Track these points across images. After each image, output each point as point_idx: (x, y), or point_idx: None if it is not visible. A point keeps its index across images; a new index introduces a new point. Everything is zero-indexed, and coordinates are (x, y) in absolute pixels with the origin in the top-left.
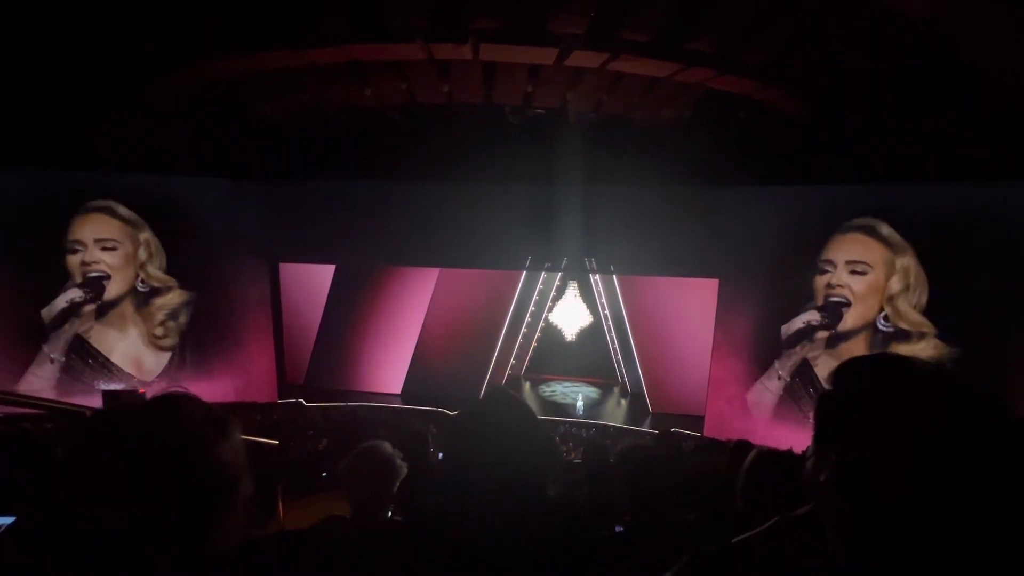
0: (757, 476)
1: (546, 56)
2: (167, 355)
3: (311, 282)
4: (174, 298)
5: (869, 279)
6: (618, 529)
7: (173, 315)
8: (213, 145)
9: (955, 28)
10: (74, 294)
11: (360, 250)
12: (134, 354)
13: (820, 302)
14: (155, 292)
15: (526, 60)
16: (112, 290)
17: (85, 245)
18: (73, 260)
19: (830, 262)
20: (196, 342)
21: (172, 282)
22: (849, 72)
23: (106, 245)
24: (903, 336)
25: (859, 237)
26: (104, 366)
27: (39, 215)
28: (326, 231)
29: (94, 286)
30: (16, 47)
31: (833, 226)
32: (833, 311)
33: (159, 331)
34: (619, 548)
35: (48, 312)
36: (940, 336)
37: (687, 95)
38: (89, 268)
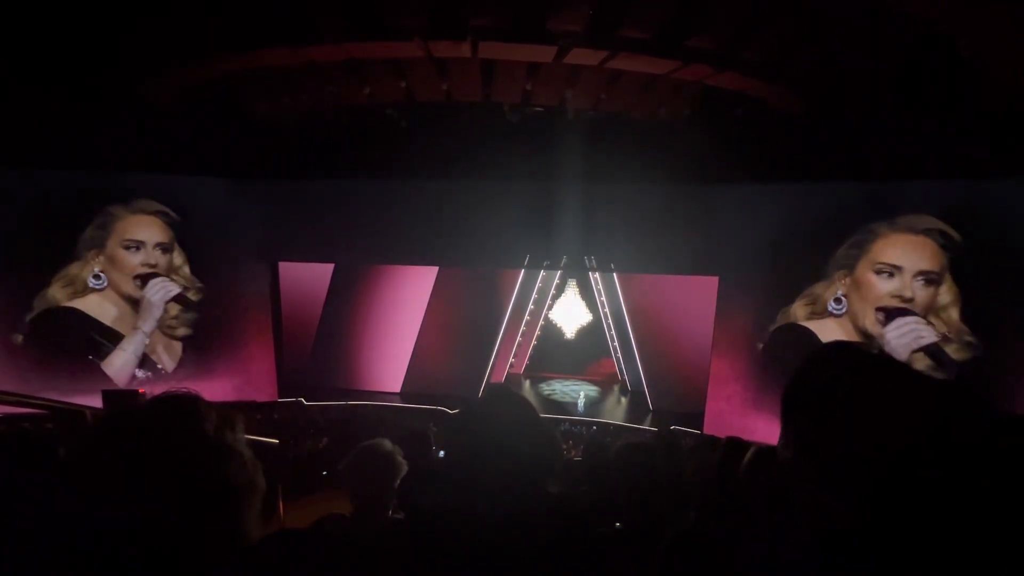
0: (755, 473)
1: (545, 54)
2: (180, 345)
3: (310, 281)
4: (194, 295)
5: (932, 291)
6: (618, 526)
7: (187, 309)
8: (211, 144)
9: (955, 27)
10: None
11: (358, 249)
12: (157, 344)
13: (875, 310)
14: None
15: (525, 58)
16: None
17: (144, 245)
18: (129, 257)
19: (895, 267)
20: (202, 338)
21: (196, 283)
22: (849, 70)
23: (164, 247)
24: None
25: (927, 243)
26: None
27: (38, 215)
28: (325, 230)
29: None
30: (12, 46)
31: (883, 222)
32: None
33: (173, 322)
34: (619, 545)
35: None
36: (974, 341)
37: (686, 93)
38: (146, 268)
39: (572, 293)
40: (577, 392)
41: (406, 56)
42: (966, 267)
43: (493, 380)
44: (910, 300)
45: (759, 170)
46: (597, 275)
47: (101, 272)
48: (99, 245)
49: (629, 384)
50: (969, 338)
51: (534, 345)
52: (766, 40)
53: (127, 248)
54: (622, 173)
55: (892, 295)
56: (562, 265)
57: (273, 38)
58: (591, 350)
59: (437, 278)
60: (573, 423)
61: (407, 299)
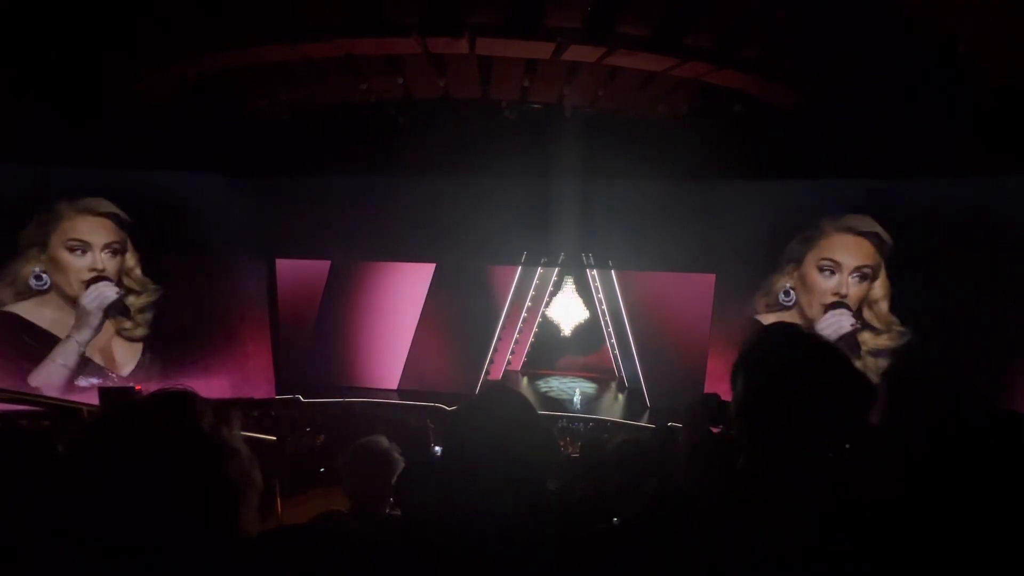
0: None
1: (542, 50)
2: (138, 346)
3: (307, 278)
4: (147, 297)
5: (866, 285)
6: (615, 523)
7: (142, 311)
8: (207, 141)
9: (954, 25)
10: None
11: (356, 245)
12: (104, 346)
13: (822, 306)
14: (130, 292)
15: (522, 54)
16: None
17: (91, 247)
18: (74, 260)
19: (835, 263)
20: (192, 337)
21: (149, 284)
22: (847, 67)
23: (113, 249)
24: (872, 330)
25: (864, 243)
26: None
27: (32, 212)
28: (322, 226)
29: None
30: (10, 45)
31: (829, 220)
32: None
33: (128, 324)
34: (616, 542)
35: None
36: (908, 331)
37: (684, 90)
38: (94, 273)
39: (569, 290)
40: (573, 389)
41: (404, 52)
42: (957, 261)
43: (490, 377)
44: (845, 296)
45: (757, 167)
46: (595, 272)
47: (43, 272)
48: (40, 243)
49: (627, 381)
50: (899, 328)
51: (531, 342)
52: (764, 37)
53: (72, 250)
54: (620, 170)
55: (832, 292)
56: (559, 262)
57: (270, 34)
58: (588, 347)
59: (434, 275)
60: (571, 420)
61: (404, 296)
